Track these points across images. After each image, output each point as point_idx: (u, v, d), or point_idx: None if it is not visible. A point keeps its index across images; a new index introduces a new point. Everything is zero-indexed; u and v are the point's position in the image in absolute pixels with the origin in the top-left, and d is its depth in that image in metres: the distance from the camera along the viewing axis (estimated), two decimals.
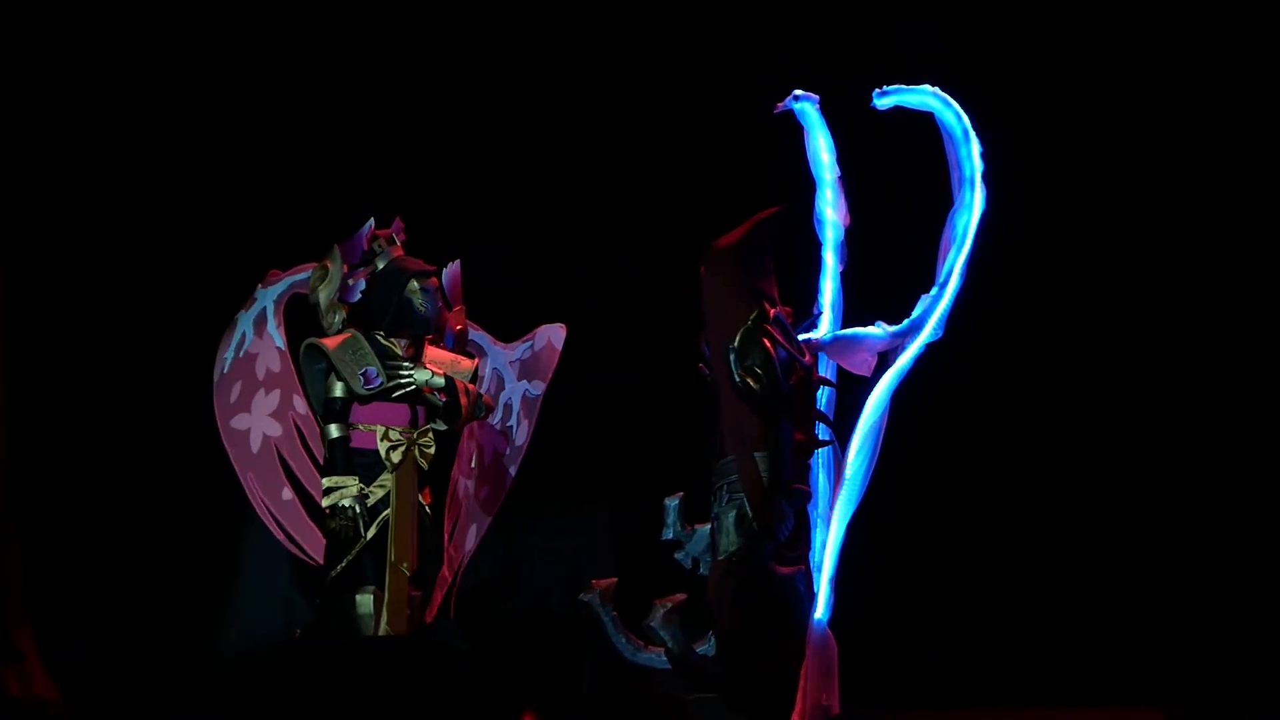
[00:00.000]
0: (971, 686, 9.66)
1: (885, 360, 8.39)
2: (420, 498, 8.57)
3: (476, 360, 8.88)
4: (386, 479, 8.51)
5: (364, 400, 8.54)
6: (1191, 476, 9.88)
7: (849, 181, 8.53)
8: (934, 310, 8.33)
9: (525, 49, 10.38)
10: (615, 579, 8.45)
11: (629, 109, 10.37)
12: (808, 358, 8.23)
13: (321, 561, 8.58)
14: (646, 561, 8.76)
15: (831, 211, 8.52)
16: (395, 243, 8.73)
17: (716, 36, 10.36)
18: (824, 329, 8.43)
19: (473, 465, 8.97)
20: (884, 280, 8.66)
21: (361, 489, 8.48)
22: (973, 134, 8.41)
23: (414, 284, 8.65)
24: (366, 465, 8.51)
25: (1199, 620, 9.70)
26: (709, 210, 9.97)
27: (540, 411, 9.02)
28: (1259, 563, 9.76)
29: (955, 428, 9.82)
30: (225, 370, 8.95)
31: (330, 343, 8.54)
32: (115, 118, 10.08)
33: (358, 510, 8.44)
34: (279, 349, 8.93)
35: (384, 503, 8.49)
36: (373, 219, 8.75)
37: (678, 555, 8.31)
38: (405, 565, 8.43)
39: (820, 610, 8.19)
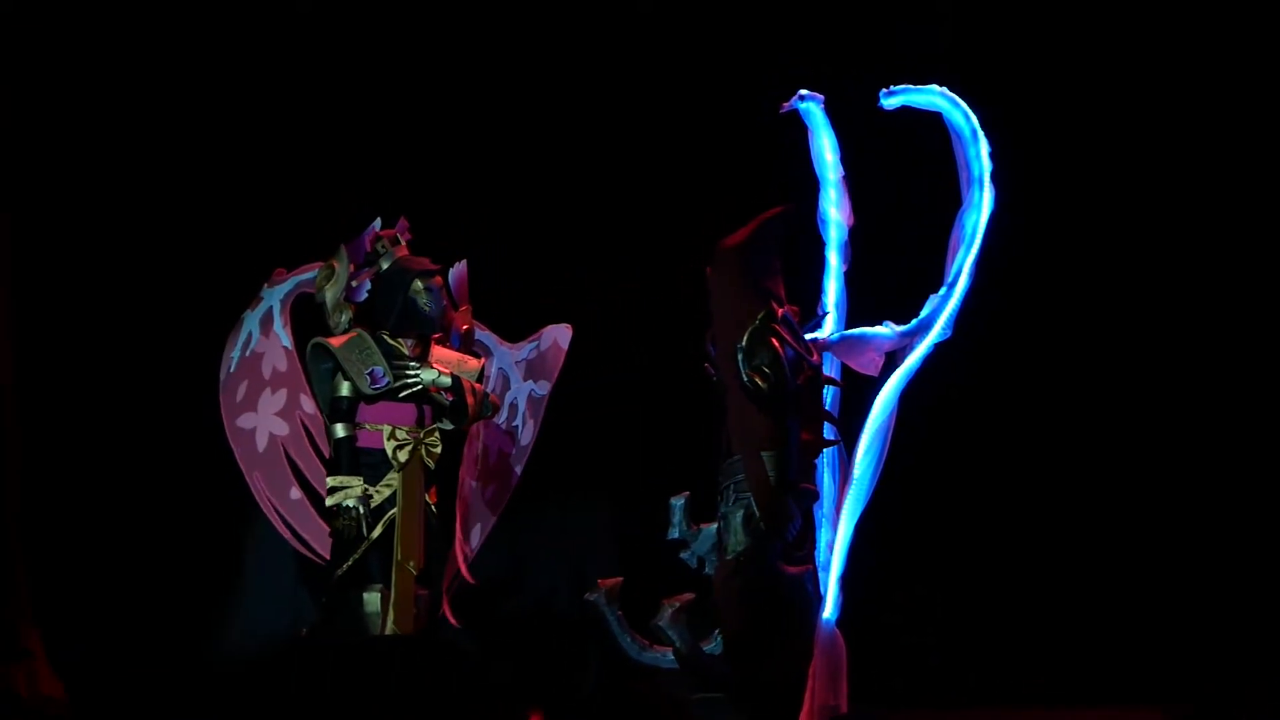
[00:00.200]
0: (976, 686, 9.67)
1: (893, 360, 8.39)
2: (426, 497, 8.57)
3: (483, 360, 8.88)
4: (393, 478, 8.51)
5: (370, 400, 8.53)
6: (1195, 478, 9.89)
7: (852, 181, 8.54)
8: (943, 310, 8.33)
9: (526, 49, 10.38)
10: (621, 578, 8.43)
11: (628, 109, 10.36)
12: (815, 357, 8.23)
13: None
14: (651, 561, 8.74)
15: (835, 211, 8.52)
16: (399, 243, 8.73)
17: (716, 37, 10.37)
18: (828, 329, 8.43)
19: (478, 465, 8.95)
20: (883, 280, 8.67)
21: (365, 489, 8.48)
22: (981, 134, 8.42)
23: (418, 284, 8.65)
24: (373, 465, 8.52)
25: (1202, 621, 9.72)
26: (709, 210, 10.00)
27: (545, 411, 9.02)
28: (1260, 563, 9.77)
29: (963, 428, 9.82)
30: (231, 369, 8.95)
31: (336, 342, 8.55)
32: (121, 117, 10.08)
33: (361, 511, 8.44)
34: (285, 348, 8.93)
35: (390, 502, 8.50)
36: (379, 219, 8.74)
37: (683, 555, 8.29)
38: (412, 564, 8.43)
39: (829, 610, 8.19)
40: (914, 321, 8.37)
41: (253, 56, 10.13)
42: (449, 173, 10.32)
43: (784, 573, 8.03)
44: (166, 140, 10.12)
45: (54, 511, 9.74)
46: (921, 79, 8.55)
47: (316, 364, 8.61)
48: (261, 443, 8.90)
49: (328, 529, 8.66)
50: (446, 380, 8.57)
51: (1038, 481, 9.92)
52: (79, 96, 10.00)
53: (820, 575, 8.21)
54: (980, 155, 8.41)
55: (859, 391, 8.39)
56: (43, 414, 9.67)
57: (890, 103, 8.53)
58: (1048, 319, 10.00)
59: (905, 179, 9.57)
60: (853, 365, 8.44)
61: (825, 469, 8.33)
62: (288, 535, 8.89)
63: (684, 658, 8.12)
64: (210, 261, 9.97)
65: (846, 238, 8.52)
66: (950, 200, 8.47)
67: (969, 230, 8.38)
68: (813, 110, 8.53)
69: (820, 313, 8.46)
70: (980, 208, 8.38)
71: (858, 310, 8.48)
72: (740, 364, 7.97)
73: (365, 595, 8.39)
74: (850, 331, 8.43)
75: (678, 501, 8.28)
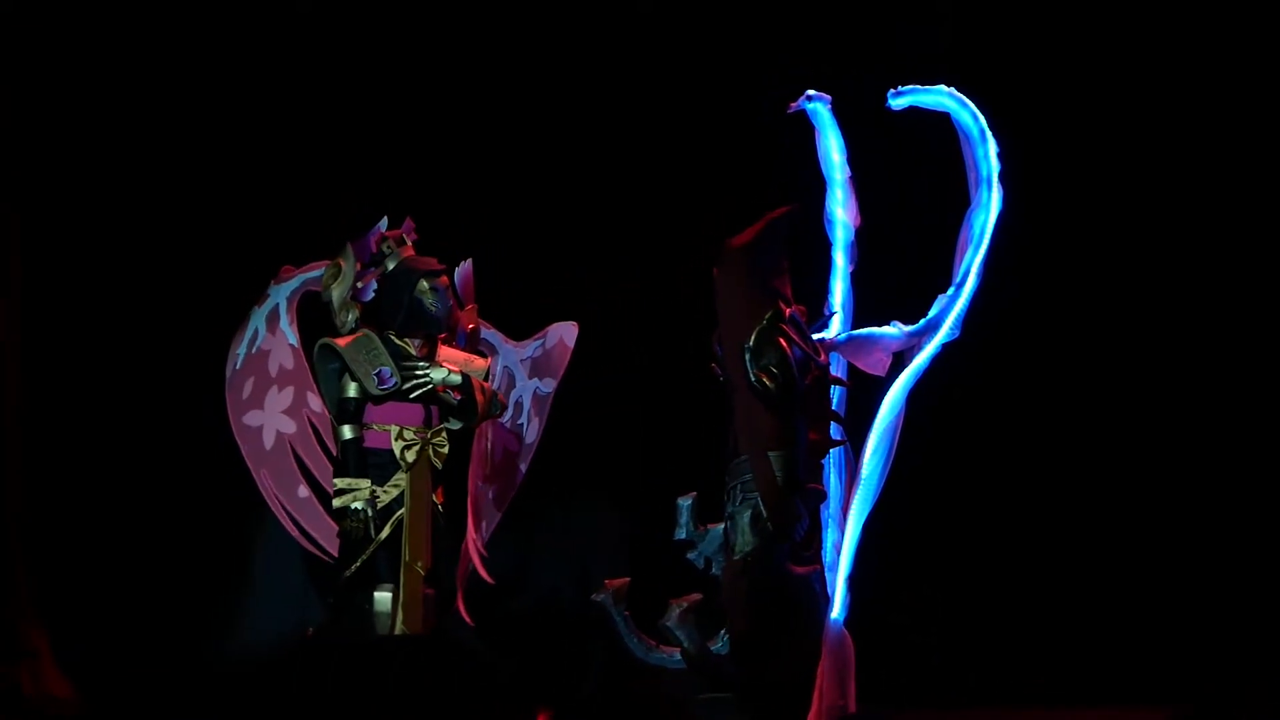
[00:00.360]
0: (978, 686, 9.68)
1: (901, 360, 8.39)
2: (434, 497, 8.55)
3: (489, 359, 8.87)
4: (401, 478, 8.49)
5: (378, 400, 8.51)
6: (1196, 479, 9.92)
7: (859, 182, 8.54)
8: (950, 310, 8.33)
9: (527, 49, 10.37)
10: (628, 579, 8.42)
11: (628, 109, 10.36)
12: (823, 357, 8.23)
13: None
14: (657, 561, 8.73)
15: (842, 212, 8.52)
16: (405, 243, 8.71)
17: (716, 37, 10.36)
18: (835, 329, 8.43)
19: (485, 463, 8.94)
20: (891, 280, 8.67)
21: (373, 491, 8.46)
22: (989, 134, 8.42)
23: (424, 283, 8.63)
24: (380, 465, 8.50)
25: (1202, 621, 9.74)
26: (709, 210, 10.01)
27: (550, 410, 9.01)
28: (1260, 563, 9.79)
29: (971, 428, 9.83)
30: (237, 366, 8.92)
31: (343, 342, 8.53)
32: (128, 116, 10.06)
33: (369, 513, 8.43)
34: (292, 346, 8.91)
35: (398, 502, 8.48)
36: (385, 218, 8.72)
37: (690, 555, 8.28)
38: (420, 564, 8.41)
39: (836, 610, 8.19)
40: (922, 322, 8.37)
41: (261, 57, 10.12)
42: (449, 172, 10.30)
43: (791, 573, 8.03)
44: (173, 139, 10.11)
45: (60, 510, 9.73)
46: (921, 79, 8.56)
47: (323, 364, 8.58)
48: (269, 441, 8.88)
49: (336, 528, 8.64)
50: (457, 379, 8.56)
51: (1044, 482, 9.93)
52: (86, 98, 9.99)
53: (828, 575, 8.21)
54: (988, 155, 8.42)
55: (866, 392, 8.39)
56: (48, 412, 9.65)
57: (898, 103, 8.54)
58: (1056, 319, 10.01)
59: (913, 180, 9.57)
60: (860, 365, 8.44)
61: (832, 469, 8.33)
62: (296, 534, 8.87)
63: (691, 658, 8.12)
64: (216, 259, 9.95)
65: (853, 238, 8.51)
66: (957, 200, 8.47)
67: (977, 230, 8.38)
68: (820, 111, 8.54)
69: (827, 313, 8.45)
70: (989, 208, 8.39)
71: (865, 310, 8.47)
72: (748, 364, 7.96)
73: (376, 595, 8.37)
74: (858, 332, 8.43)
75: (685, 502, 8.27)
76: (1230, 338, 9.93)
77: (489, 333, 9.07)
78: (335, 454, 8.66)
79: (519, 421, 9.04)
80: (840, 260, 8.52)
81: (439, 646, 8.08)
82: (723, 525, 8.18)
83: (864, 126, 8.58)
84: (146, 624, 9.72)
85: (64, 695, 9.15)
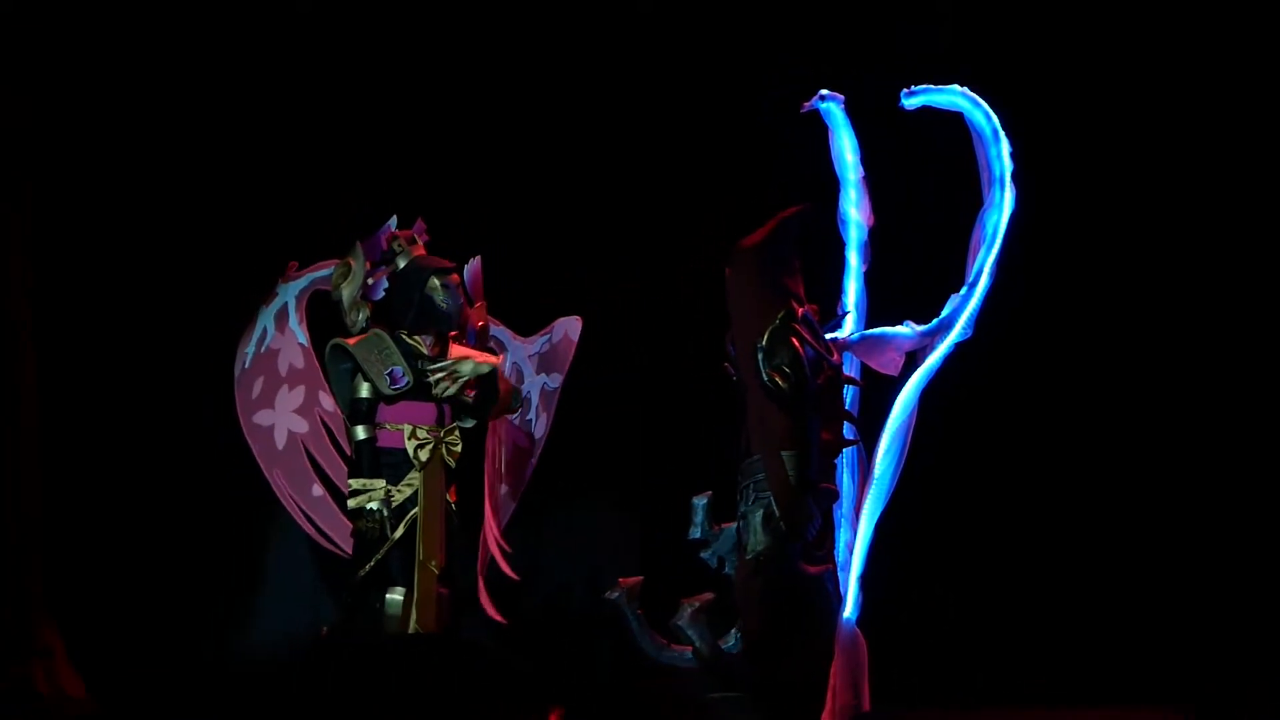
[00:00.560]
0: (986, 686, 9.69)
1: (913, 360, 8.39)
2: (447, 496, 8.54)
3: (500, 356, 8.86)
4: (414, 478, 8.49)
5: (390, 400, 8.49)
6: (1197, 480, 9.94)
7: (872, 181, 8.55)
8: (963, 310, 8.33)
9: (528, 50, 10.37)
10: (641, 578, 8.41)
11: (628, 109, 10.36)
12: (836, 357, 8.23)
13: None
14: (669, 560, 8.73)
15: (855, 211, 8.52)
16: (416, 242, 8.71)
17: (716, 37, 10.36)
18: (848, 328, 8.43)
19: (497, 459, 8.93)
20: (904, 280, 8.68)
21: (387, 491, 8.45)
22: (1002, 134, 8.42)
23: (434, 281, 8.63)
24: (394, 464, 8.50)
25: (1203, 621, 9.76)
26: (709, 210, 10.01)
27: (558, 405, 9.01)
28: (1260, 563, 9.82)
29: (983, 428, 9.83)
30: (246, 365, 8.93)
31: (354, 342, 8.50)
32: (134, 114, 10.05)
33: (384, 513, 8.41)
34: (302, 345, 8.90)
35: (411, 501, 8.48)
36: (395, 218, 8.71)
37: (704, 554, 8.27)
38: (433, 563, 8.42)
39: (849, 609, 8.19)
40: (935, 321, 8.37)
41: (269, 56, 10.10)
42: (449, 172, 10.29)
43: (804, 572, 8.04)
44: (180, 138, 10.09)
45: (73, 509, 9.69)
46: (921, 79, 8.57)
47: (335, 365, 8.58)
48: (280, 440, 8.88)
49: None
50: (486, 368, 8.56)
51: (1054, 482, 9.94)
52: (93, 97, 9.96)
53: (840, 575, 8.22)
54: (1001, 155, 8.41)
55: (879, 391, 8.40)
56: (61, 412, 9.62)
57: (911, 103, 8.55)
58: (1068, 319, 10.01)
59: (926, 179, 9.58)
60: (873, 365, 8.45)
61: (845, 469, 8.34)
62: (312, 532, 8.88)
63: (704, 657, 8.11)
64: (225, 257, 9.93)
65: (866, 237, 8.51)
66: (970, 200, 8.48)
67: (990, 230, 8.39)
68: (833, 110, 8.54)
69: (840, 312, 8.45)
70: (1002, 207, 8.38)
71: (878, 310, 8.48)
72: (760, 363, 7.96)
73: (389, 595, 8.39)
74: (870, 331, 8.43)
75: (700, 501, 8.26)
76: (1240, 339, 9.94)
77: (498, 329, 9.08)
78: (348, 454, 8.65)
79: (528, 417, 9.06)
80: (854, 260, 8.51)
81: (451, 645, 8.06)
82: (736, 524, 8.18)
83: (872, 126, 8.58)
84: (159, 623, 9.72)
85: (77, 694, 9.13)
